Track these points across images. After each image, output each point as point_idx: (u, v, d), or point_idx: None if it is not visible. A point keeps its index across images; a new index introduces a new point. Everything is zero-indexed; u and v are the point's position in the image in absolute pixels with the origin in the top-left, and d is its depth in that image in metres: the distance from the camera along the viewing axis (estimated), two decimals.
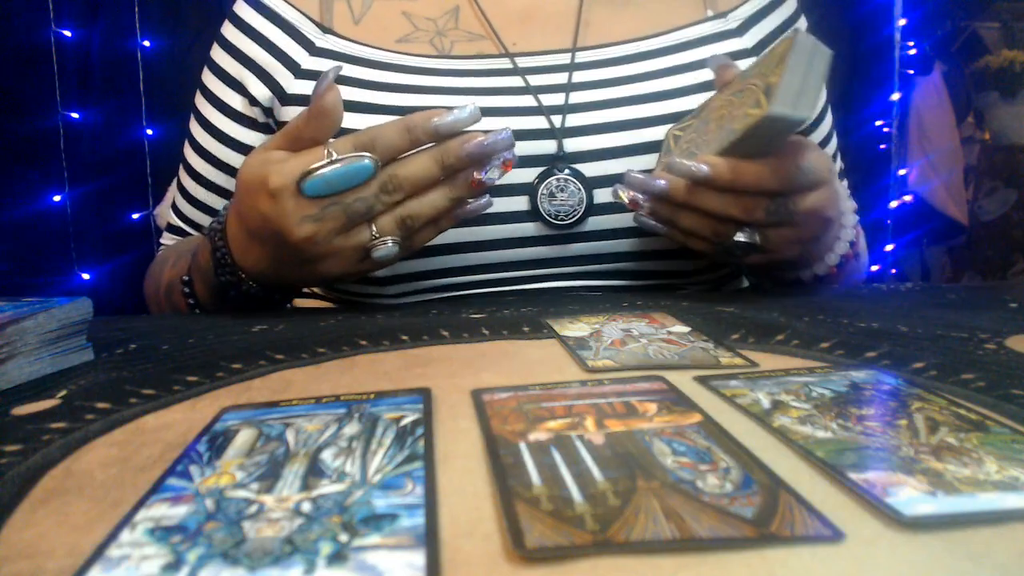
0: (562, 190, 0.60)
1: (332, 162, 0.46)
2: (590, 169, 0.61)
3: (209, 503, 0.23)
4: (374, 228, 0.48)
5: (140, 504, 0.23)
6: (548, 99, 0.63)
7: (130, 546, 0.20)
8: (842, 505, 0.22)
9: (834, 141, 0.74)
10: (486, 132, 0.49)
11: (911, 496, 0.22)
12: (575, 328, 0.44)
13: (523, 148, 0.61)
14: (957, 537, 0.20)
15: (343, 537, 0.20)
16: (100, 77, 1.45)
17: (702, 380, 0.34)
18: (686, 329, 0.44)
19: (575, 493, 0.22)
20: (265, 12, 0.68)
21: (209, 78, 0.70)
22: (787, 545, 0.20)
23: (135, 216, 1.46)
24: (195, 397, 0.34)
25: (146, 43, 1.45)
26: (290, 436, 0.28)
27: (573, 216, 0.60)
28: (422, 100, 0.61)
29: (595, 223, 0.61)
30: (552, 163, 0.61)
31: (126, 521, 0.22)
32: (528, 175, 0.60)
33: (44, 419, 0.32)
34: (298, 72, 0.65)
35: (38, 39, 1.40)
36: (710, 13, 0.68)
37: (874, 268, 1.79)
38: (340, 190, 0.46)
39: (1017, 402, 0.31)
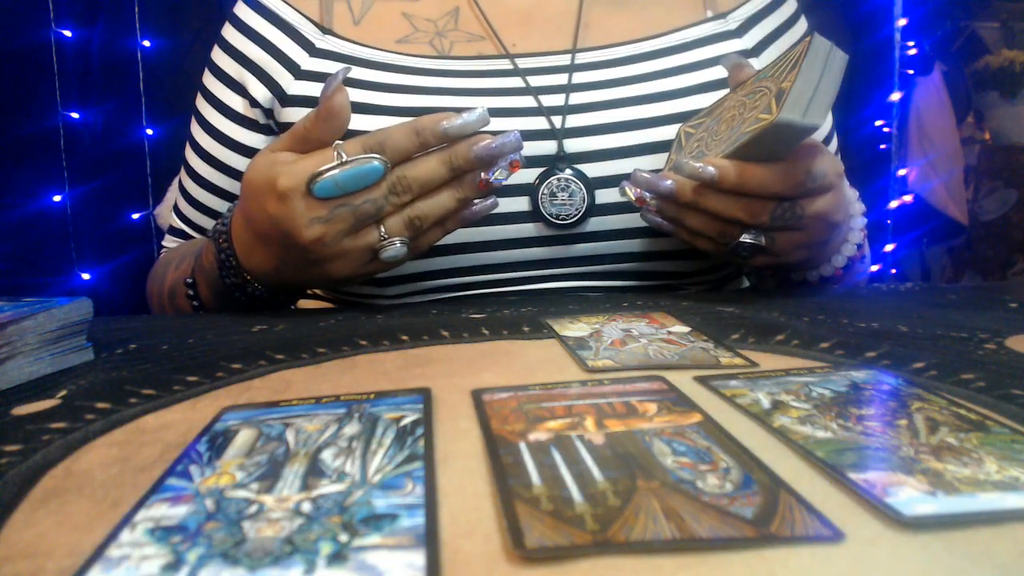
0: (563, 190, 0.60)
1: (342, 164, 0.46)
2: (591, 170, 0.61)
3: (209, 503, 0.23)
4: (383, 229, 0.48)
5: (140, 504, 0.23)
6: (548, 100, 0.63)
7: (130, 546, 0.20)
8: (842, 505, 0.22)
9: (835, 141, 0.74)
10: (494, 134, 0.49)
11: (911, 496, 0.22)
12: (575, 328, 0.44)
13: (524, 149, 0.61)
14: (957, 537, 0.20)
15: (343, 537, 0.20)
16: (100, 77, 1.45)
17: (702, 380, 0.34)
18: (686, 329, 0.44)
19: (575, 493, 0.22)
20: (265, 13, 0.68)
21: (210, 80, 0.70)
22: (787, 545, 0.20)
23: (135, 216, 1.46)
24: (195, 397, 0.34)
25: (146, 43, 1.45)
26: (290, 436, 0.28)
27: (574, 217, 0.60)
28: (422, 101, 0.61)
29: (596, 224, 0.61)
30: (553, 164, 0.61)
31: (126, 521, 0.22)
32: (528, 176, 0.60)
33: (44, 419, 0.32)
34: (298, 73, 0.65)
35: (38, 39, 1.40)
36: (710, 14, 0.68)
37: (874, 268, 1.79)
38: (350, 191, 0.47)
39: (1017, 402, 0.31)
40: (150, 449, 0.28)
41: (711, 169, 0.49)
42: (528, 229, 0.61)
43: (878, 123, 1.80)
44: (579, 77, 0.64)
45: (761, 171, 0.49)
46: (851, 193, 0.59)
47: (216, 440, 0.28)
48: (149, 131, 1.45)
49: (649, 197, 0.54)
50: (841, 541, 0.20)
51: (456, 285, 0.63)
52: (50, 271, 1.45)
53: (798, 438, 0.27)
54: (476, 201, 0.51)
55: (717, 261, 0.65)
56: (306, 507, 0.22)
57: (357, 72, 0.63)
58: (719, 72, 0.64)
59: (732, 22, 0.68)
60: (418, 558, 0.19)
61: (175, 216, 0.74)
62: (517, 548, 0.20)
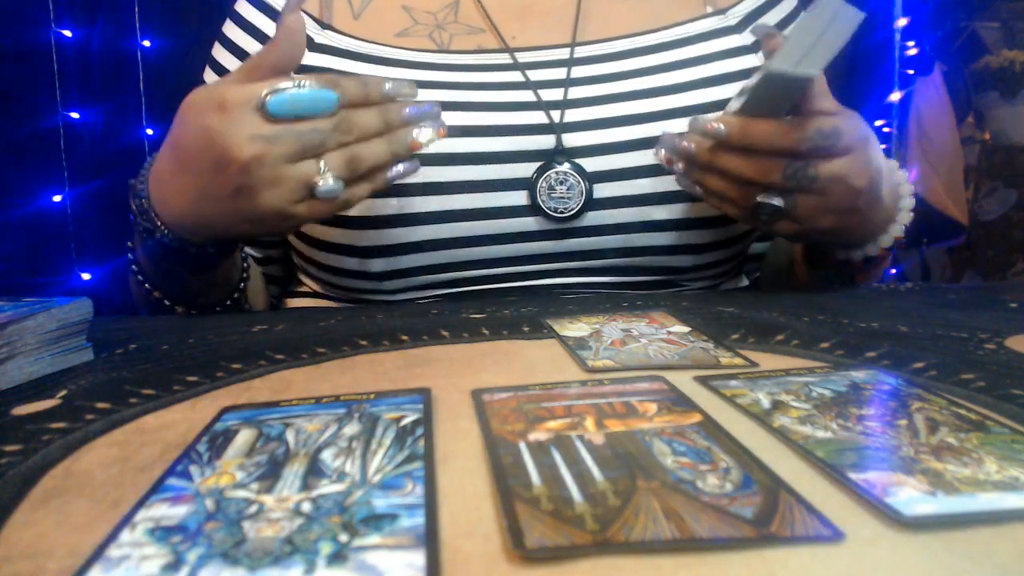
0: (561, 183, 0.60)
1: (300, 86, 0.47)
2: (589, 164, 0.61)
3: (209, 503, 0.23)
4: (322, 163, 0.48)
5: (140, 504, 0.23)
6: (547, 94, 0.63)
7: (130, 546, 0.20)
8: (842, 505, 0.22)
9: None
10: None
11: (911, 496, 0.22)
12: (575, 328, 0.44)
13: (522, 143, 0.61)
14: (957, 537, 0.20)
15: (343, 537, 0.20)
16: (100, 77, 1.45)
17: (702, 380, 0.34)
18: (686, 329, 0.44)
19: (575, 493, 0.22)
20: (265, 9, 0.68)
21: (211, 77, 0.70)
22: (787, 545, 0.20)
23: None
24: (195, 397, 0.34)
25: (146, 43, 1.45)
26: (290, 436, 0.28)
27: (573, 210, 0.60)
28: (421, 94, 0.61)
29: (595, 218, 0.61)
30: (551, 158, 0.61)
31: (126, 521, 0.22)
32: (527, 170, 0.60)
33: (44, 419, 0.32)
34: (298, 68, 0.65)
35: (38, 39, 1.40)
36: (709, 9, 0.68)
37: None
38: (301, 116, 0.47)
39: (1017, 402, 0.31)
40: (150, 449, 0.28)
41: (720, 125, 0.50)
42: (527, 223, 0.61)
43: (878, 123, 1.80)
44: (578, 71, 0.64)
45: (764, 125, 0.49)
46: (898, 174, 0.58)
47: (216, 440, 0.28)
48: (149, 131, 1.45)
49: (676, 159, 0.55)
50: (841, 541, 0.20)
51: (454, 280, 0.63)
52: (50, 271, 1.45)
53: (798, 438, 0.27)
54: (403, 164, 0.52)
55: (721, 256, 0.65)
56: (306, 507, 0.22)
57: (356, 66, 0.64)
58: (718, 67, 0.64)
59: (732, 18, 0.68)
60: (418, 558, 0.19)
61: None
62: (517, 548, 0.20)
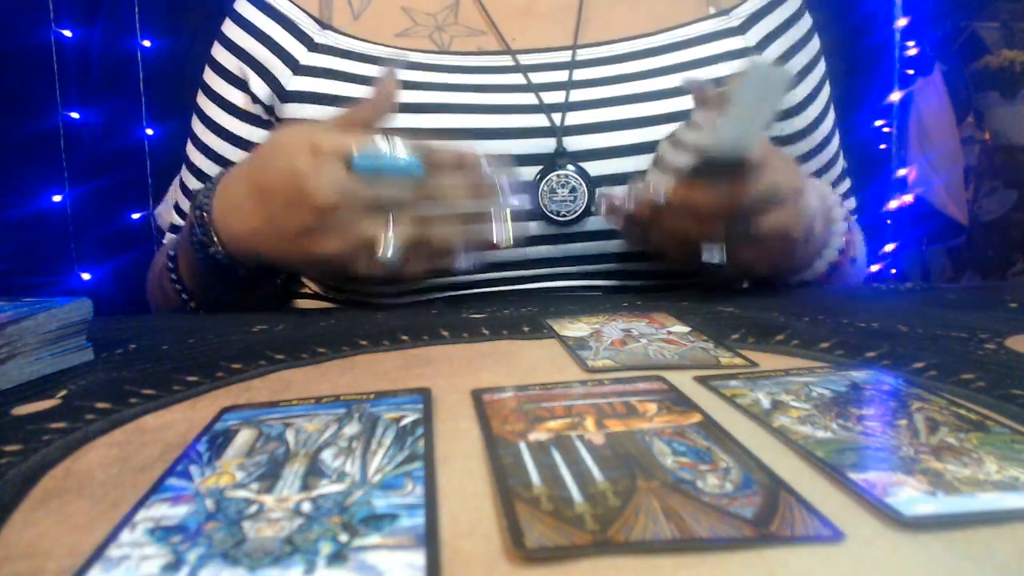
0: (563, 186, 0.60)
1: (391, 147, 0.47)
2: (592, 168, 0.61)
3: (209, 503, 0.23)
4: (391, 227, 0.48)
5: (140, 504, 0.23)
6: (549, 97, 0.63)
7: (130, 546, 0.20)
8: (842, 505, 0.22)
9: (835, 142, 0.74)
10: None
11: (911, 496, 0.22)
12: (575, 328, 0.44)
13: (524, 146, 0.61)
14: (957, 537, 0.20)
15: (343, 537, 0.20)
16: (100, 77, 1.45)
17: (702, 380, 0.34)
18: (686, 329, 0.44)
19: (575, 493, 0.22)
20: (265, 9, 0.68)
21: (211, 76, 0.70)
22: (787, 545, 0.20)
23: (135, 216, 1.46)
24: (195, 397, 0.34)
25: (146, 43, 1.45)
26: (290, 436, 0.28)
27: (575, 213, 0.60)
28: (421, 96, 0.61)
29: (596, 223, 0.61)
30: (552, 161, 0.61)
31: (126, 521, 0.22)
32: (528, 174, 0.60)
33: (44, 419, 0.32)
34: (297, 68, 0.65)
35: (38, 39, 1.40)
36: (712, 10, 0.68)
37: (874, 268, 1.79)
38: (385, 176, 0.47)
39: (1017, 402, 0.31)
40: (150, 449, 0.28)
41: (661, 192, 0.51)
42: (529, 227, 0.61)
43: (878, 123, 1.80)
44: (580, 74, 0.64)
45: (704, 192, 0.50)
46: (831, 198, 0.60)
47: (216, 440, 0.28)
48: (149, 131, 1.45)
49: (615, 220, 0.57)
50: (841, 541, 0.20)
51: (454, 283, 0.62)
52: (50, 271, 1.45)
53: (798, 438, 0.27)
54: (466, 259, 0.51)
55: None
56: (306, 507, 0.22)
57: (356, 67, 0.63)
58: (720, 70, 0.64)
59: (735, 19, 0.68)
60: (418, 558, 0.19)
61: (175, 213, 0.74)
62: (517, 548, 0.20)
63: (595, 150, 0.61)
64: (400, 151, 0.47)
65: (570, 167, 0.60)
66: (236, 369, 0.39)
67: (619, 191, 0.56)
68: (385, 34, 0.66)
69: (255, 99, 0.67)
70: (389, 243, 0.48)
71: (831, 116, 0.73)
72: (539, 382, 0.34)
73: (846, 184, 0.76)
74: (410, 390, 0.33)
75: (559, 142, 0.61)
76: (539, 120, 0.62)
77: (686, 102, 0.62)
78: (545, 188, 0.60)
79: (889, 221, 1.90)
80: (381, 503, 0.22)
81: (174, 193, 0.77)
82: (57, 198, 1.45)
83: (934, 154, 2.10)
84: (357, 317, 0.51)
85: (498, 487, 0.23)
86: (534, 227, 0.61)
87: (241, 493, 0.23)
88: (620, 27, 0.67)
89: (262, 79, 0.66)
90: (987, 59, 2.57)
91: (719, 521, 0.21)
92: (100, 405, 0.34)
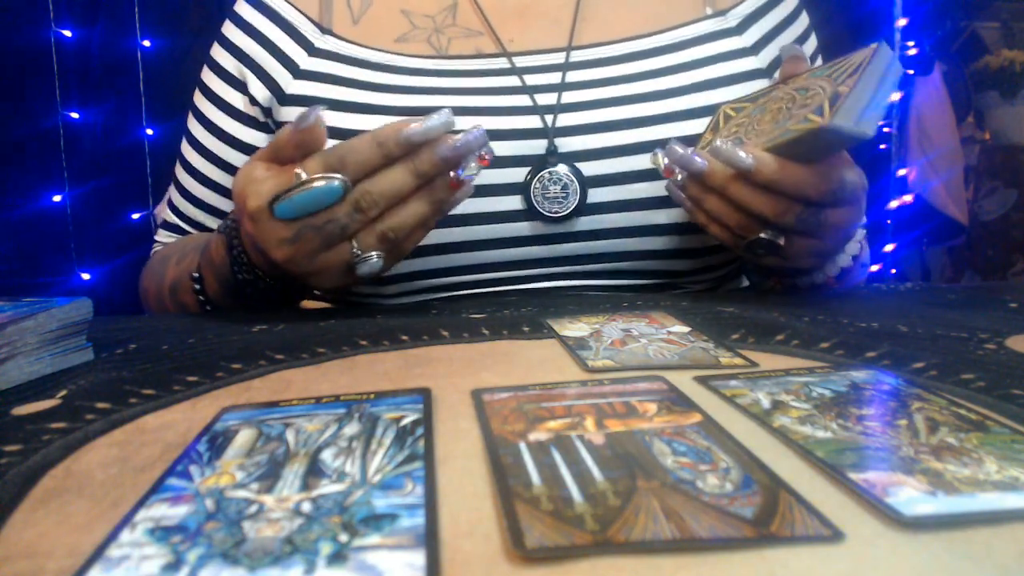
0: (555, 183, 0.60)
1: (300, 184, 0.45)
2: (584, 168, 0.61)
3: (209, 503, 0.23)
4: (355, 244, 0.47)
5: (140, 504, 0.23)
6: (544, 98, 0.63)
7: (130, 546, 0.20)
8: (842, 505, 0.22)
9: None
10: (457, 133, 0.47)
11: (911, 496, 0.22)
12: (575, 328, 0.44)
13: (518, 148, 0.61)
14: (957, 537, 0.20)
15: (343, 537, 0.20)
16: (100, 77, 1.45)
17: (702, 380, 0.34)
18: (686, 329, 0.44)
19: (575, 493, 0.22)
20: (266, 11, 0.68)
21: (209, 77, 0.70)
22: (787, 545, 0.20)
23: (135, 216, 1.46)
24: (195, 397, 0.34)
25: (146, 43, 1.45)
26: (290, 436, 0.28)
27: (568, 208, 0.60)
28: (419, 101, 0.61)
29: (590, 222, 0.61)
30: (543, 160, 0.61)
31: (126, 521, 0.22)
32: (520, 175, 0.60)
33: (44, 419, 0.32)
34: (297, 72, 0.65)
35: (38, 39, 1.40)
36: (709, 11, 0.68)
37: (874, 268, 1.80)
38: (310, 212, 0.45)
39: (1017, 402, 0.31)
40: (150, 449, 0.28)
41: (750, 159, 0.48)
42: (521, 228, 0.61)
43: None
44: (575, 75, 0.64)
45: (800, 172, 0.48)
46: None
47: (216, 440, 0.28)
48: (149, 131, 1.45)
49: (678, 171, 0.53)
50: (841, 541, 0.20)
51: (451, 284, 0.63)
52: (50, 271, 1.45)
53: (798, 438, 0.27)
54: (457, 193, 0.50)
55: (718, 260, 0.65)
56: (306, 507, 0.22)
57: (355, 72, 0.64)
58: (716, 71, 0.64)
59: (732, 19, 0.68)
60: (418, 558, 0.19)
61: (169, 211, 0.74)
62: (517, 548, 0.20)
63: (588, 151, 0.61)
64: (311, 183, 0.45)
65: (562, 166, 0.60)
66: (236, 369, 0.39)
67: (680, 149, 0.51)
68: (384, 39, 0.66)
69: (253, 101, 0.67)
70: (365, 257, 0.47)
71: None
72: (539, 382, 0.34)
73: None
74: (410, 390, 0.33)
75: (550, 142, 0.61)
76: (534, 122, 0.62)
77: (682, 103, 0.62)
78: (537, 186, 0.60)
79: (889, 221, 1.90)
80: (381, 503, 0.22)
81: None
82: (57, 198, 1.45)
83: (934, 154, 2.11)
84: (357, 317, 0.51)
85: (498, 487, 0.23)
86: (528, 228, 0.61)
87: (241, 493, 0.23)
88: (617, 28, 0.67)
89: (261, 81, 0.66)
90: (987, 59, 2.57)
91: (719, 521, 0.21)
92: (100, 405, 0.34)
